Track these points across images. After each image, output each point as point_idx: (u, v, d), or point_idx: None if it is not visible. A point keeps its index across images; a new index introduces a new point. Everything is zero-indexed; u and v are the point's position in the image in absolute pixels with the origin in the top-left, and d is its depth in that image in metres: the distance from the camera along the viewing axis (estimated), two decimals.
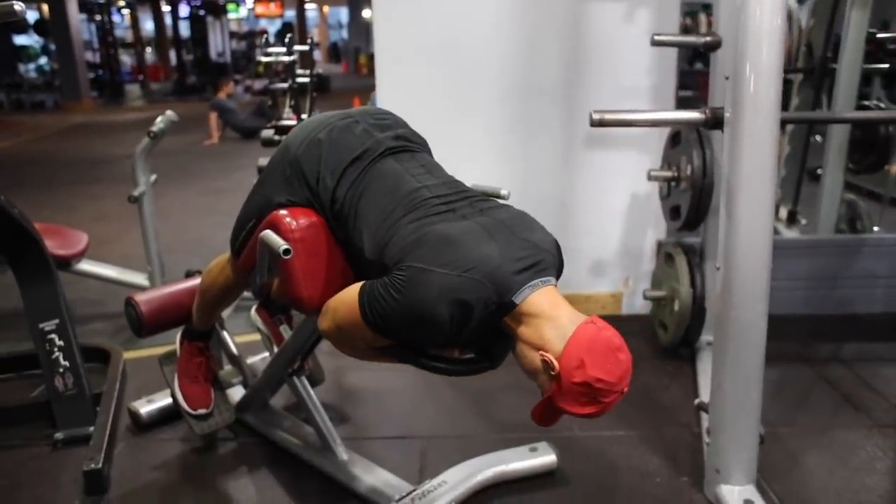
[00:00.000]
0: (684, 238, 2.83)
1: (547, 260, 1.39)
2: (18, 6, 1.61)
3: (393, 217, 1.41)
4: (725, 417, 1.88)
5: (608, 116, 1.97)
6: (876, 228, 3.53)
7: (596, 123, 1.96)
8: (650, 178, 2.69)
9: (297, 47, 4.00)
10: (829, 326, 3.03)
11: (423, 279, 1.28)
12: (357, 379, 2.66)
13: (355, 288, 1.38)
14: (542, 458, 2.05)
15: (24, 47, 16.31)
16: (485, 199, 1.50)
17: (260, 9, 23.71)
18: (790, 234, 3.76)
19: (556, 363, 1.24)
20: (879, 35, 3.56)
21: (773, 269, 1.79)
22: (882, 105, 3.52)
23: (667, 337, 2.78)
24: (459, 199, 1.47)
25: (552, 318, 1.29)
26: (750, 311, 1.80)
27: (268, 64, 4.04)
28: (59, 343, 2.26)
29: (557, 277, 1.41)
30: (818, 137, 3.74)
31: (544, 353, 1.26)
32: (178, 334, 2.16)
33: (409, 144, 1.61)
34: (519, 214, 1.46)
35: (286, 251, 1.45)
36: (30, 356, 2.44)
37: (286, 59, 3.92)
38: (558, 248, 1.44)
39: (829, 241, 3.31)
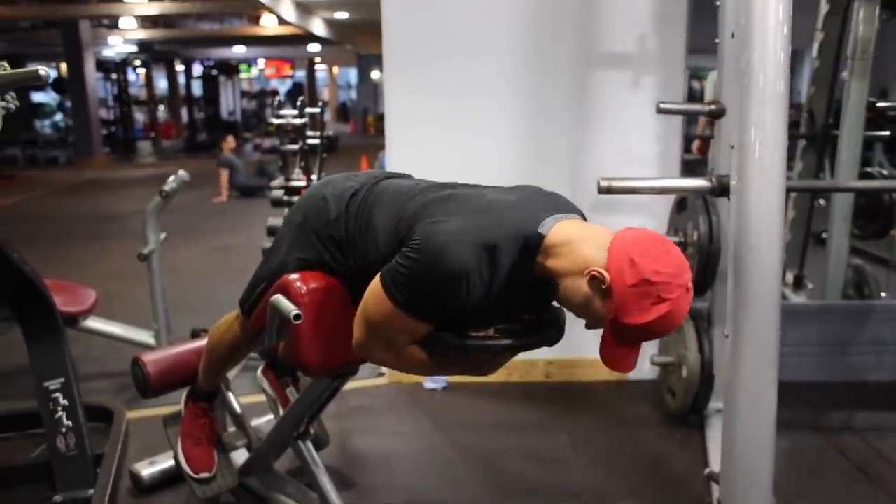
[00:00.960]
0: (692, 304, 2.82)
1: (569, 206, 1.34)
2: (43, 71, 1.66)
3: (399, 206, 1.40)
4: (737, 488, 1.85)
5: (616, 184, 2.00)
6: (883, 294, 3.52)
7: (604, 190, 1.99)
8: None
9: (308, 109, 4.08)
10: (839, 394, 2.99)
11: (436, 229, 1.23)
12: (363, 443, 2.63)
13: (377, 276, 1.33)
14: None
15: (41, 104, 16.71)
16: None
17: (270, 69, 24.32)
18: (797, 298, 3.75)
19: (605, 273, 1.16)
20: (879, 104, 3.62)
21: (782, 335, 1.79)
22: (884, 171, 3.57)
23: (675, 404, 2.75)
24: (461, 185, 1.46)
25: (587, 238, 1.22)
26: (760, 378, 1.78)
27: (279, 125, 4.12)
28: (63, 402, 2.23)
29: None
30: (822, 202, 3.77)
31: (590, 269, 1.18)
32: (183, 394, 2.15)
33: (406, 176, 1.65)
34: (532, 185, 1.44)
35: (297, 316, 1.46)
36: (31, 414, 2.41)
37: (297, 121, 4.00)
38: (580, 211, 1.40)
39: (838, 308, 3.30)
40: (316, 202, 1.60)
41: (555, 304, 1.39)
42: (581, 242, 1.22)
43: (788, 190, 1.82)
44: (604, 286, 1.17)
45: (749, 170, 1.74)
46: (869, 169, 3.56)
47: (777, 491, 1.88)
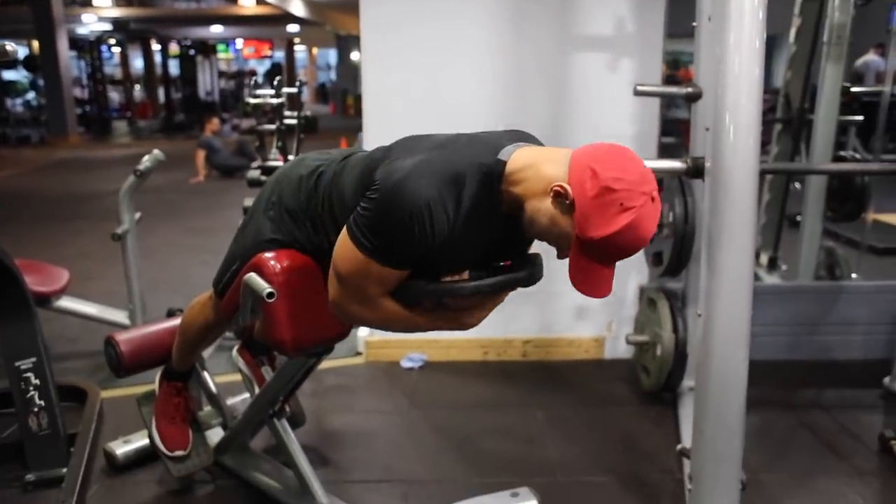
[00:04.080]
0: (667, 284, 2.85)
1: (531, 137, 1.34)
2: (10, 47, 1.63)
3: (366, 164, 1.39)
4: (706, 464, 1.88)
5: None
6: (854, 275, 3.58)
7: None
8: None
9: (285, 89, 4.04)
10: (809, 372, 3.05)
11: (394, 167, 1.22)
12: (339, 421, 2.64)
13: (344, 229, 1.32)
14: (524, 503, 2.03)
15: (12, 82, 16.34)
16: None
17: (248, 50, 24.01)
18: (771, 279, 3.81)
19: (567, 187, 1.15)
20: (854, 88, 3.66)
21: (755, 315, 1.81)
22: (858, 155, 3.60)
23: (649, 382, 2.79)
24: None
25: (547, 158, 1.21)
26: (731, 357, 1.81)
27: (256, 105, 4.07)
28: (35, 382, 2.22)
29: None
30: (797, 185, 3.82)
31: (553, 186, 1.16)
32: (157, 374, 2.14)
33: None
34: None
35: (270, 294, 1.46)
36: (3, 394, 2.39)
37: (274, 100, 3.96)
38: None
39: (809, 288, 3.35)
40: (289, 181, 1.60)
41: (531, 251, 1.39)
42: (542, 163, 1.20)
43: (762, 172, 1.83)
44: (567, 201, 1.15)
45: (723, 152, 1.76)
46: (843, 153, 3.60)
47: (746, 466, 1.92)
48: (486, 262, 1.35)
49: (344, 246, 1.31)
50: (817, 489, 2.20)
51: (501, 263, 1.35)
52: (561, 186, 1.15)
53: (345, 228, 1.31)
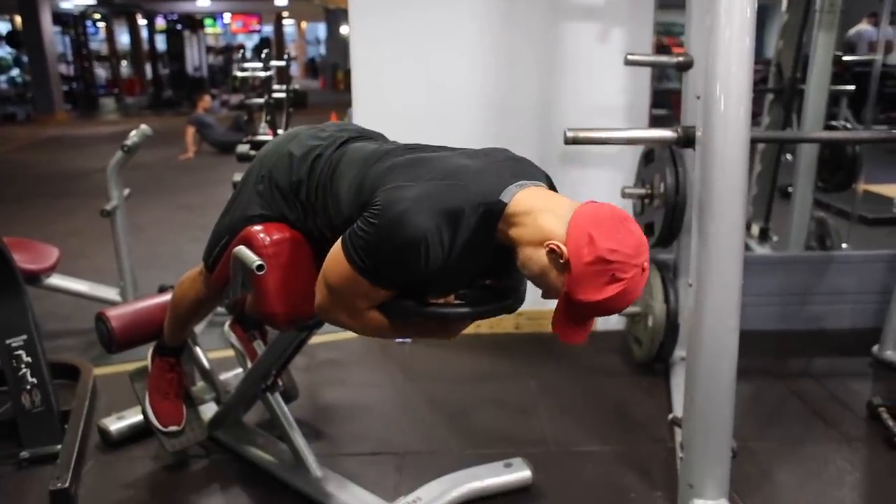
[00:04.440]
0: (658, 255, 2.86)
1: (534, 173, 1.33)
2: None
3: (364, 169, 1.38)
4: (698, 432, 1.90)
5: (582, 134, 2.00)
6: (844, 245, 3.60)
7: (570, 141, 1.99)
8: (624, 195, 2.72)
9: (273, 62, 4.00)
10: (799, 342, 3.07)
11: (396, 196, 1.22)
12: (332, 395, 2.65)
13: (338, 241, 1.32)
14: (517, 473, 2.05)
15: None
16: (457, 148, 1.47)
17: (237, 24, 23.69)
18: (762, 250, 3.82)
19: (563, 248, 1.16)
20: (845, 58, 3.64)
21: (745, 285, 1.82)
22: (849, 125, 3.60)
23: (641, 353, 2.81)
24: (429, 147, 1.45)
25: (548, 208, 1.21)
26: (722, 326, 1.82)
27: (244, 79, 4.03)
28: (27, 359, 2.21)
29: None
30: (789, 156, 3.81)
31: (549, 243, 1.18)
32: (149, 350, 2.14)
33: (374, 137, 1.63)
34: (498, 147, 1.43)
35: (259, 267, 1.45)
36: None
37: (262, 74, 3.92)
38: (549, 177, 1.39)
39: (799, 258, 3.37)
40: (279, 157, 1.58)
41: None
42: (542, 213, 1.21)
43: (752, 141, 1.82)
44: (561, 260, 1.17)
45: (714, 120, 1.75)
46: (834, 123, 3.60)
47: (737, 434, 1.94)
48: (473, 281, 1.38)
49: (336, 259, 1.32)
50: (806, 456, 2.23)
51: (487, 282, 1.37)
52: (557, 246, 1.17)
53: (339, 242, 1.32)
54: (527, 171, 1.33)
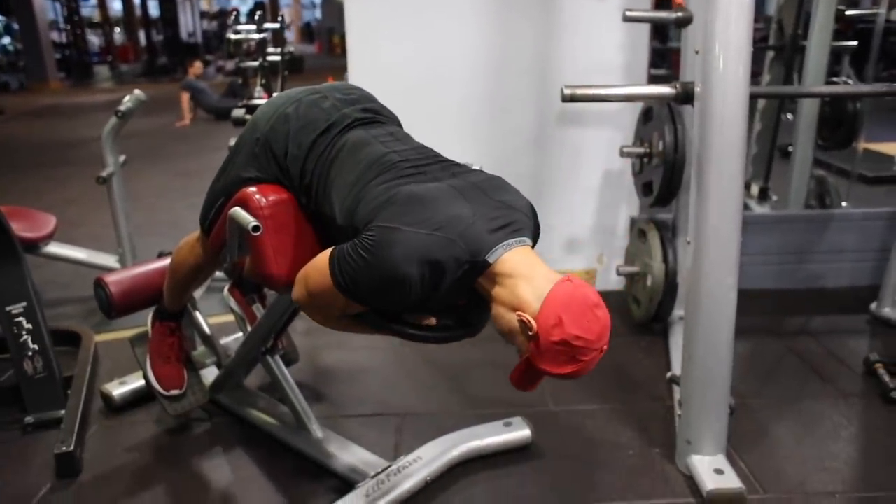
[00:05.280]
0: (657, 214, 2.85)
1: (521, 221, 1.37)
2: None
3: (362, 181, 1.39)
4: (696, 389, 1.91)
5: (579, 91, 1.97)
6: (844, 204, 3.59)
7: (567, 98, 1.96)
8: (622, 154, 2.70)
9: (267, 25, 3.93)
10: (798, 300, 3.08)
11: (391, 238, 1.26)
12: (332, 358, 2.66)
13: (326, 254, 1.36)
14: (517, 432, 2.07)
15: None
16: (456, 164, 1.49)
17: None
18: (762, 209, 3.81)
19: (533, 323, 1.22)
20: (848, 13, 3.58)
21: (744, 244, 1.82)
22: (850, 82, 3.56)
23: (640, 312, 2.81)
24: (430, 162, 1.45)
25: (527, 277, 1.27)
26: (720, 285, 1.82)
27: (238, 42, 3.96)
28: (28, 326, 2.22)
29: (534, 241, 1.39)
30: (789, 115, 3.78)
31: (521, 314, 1.24)
32: (149, 315, 2.14)
33: (378, 116, 1.60)
34: (492, 177, 1.45)
35: (255, 228, 1.44)
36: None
37: (256, 36, 3.86)
38: (534, 211, 1.43)
39: (798, 217, 3.36)
40: (278, 118, 1.55)
41: None
42: (522, 281, 1.26)
43: (752, 96, 1.80)
44: (530, 332, 1.23)
45: (713, 76, 1.73)
46: (836, 80, 3.55)
47: (734, 392, 1.96)
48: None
49: (320, 271, 1.35)
50: (803, 412, 2.24)
51: (462, 302, 1.42)
52: (528, 320, 1.23)
53: (325, 255, 1.35)
54: (517, 221, 1.36)
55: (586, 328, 1.22)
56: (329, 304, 1.39)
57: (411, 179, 1.38)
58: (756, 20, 1.71)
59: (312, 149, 1.50)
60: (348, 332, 1.51)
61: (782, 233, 3.16)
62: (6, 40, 16.26)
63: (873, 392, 2.33)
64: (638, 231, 2.85)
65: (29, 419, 2.19)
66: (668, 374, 2.28)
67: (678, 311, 2.71)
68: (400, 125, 1.66)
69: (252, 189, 1.52)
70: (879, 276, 2.91)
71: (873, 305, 2.88)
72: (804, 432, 2.14)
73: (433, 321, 1.46)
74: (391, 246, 1.25)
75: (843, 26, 3.64)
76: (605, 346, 1.26)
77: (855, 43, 3.64)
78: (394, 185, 1.36)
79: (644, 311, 2.77)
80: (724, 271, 1.81)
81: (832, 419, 2.20)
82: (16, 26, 14.57)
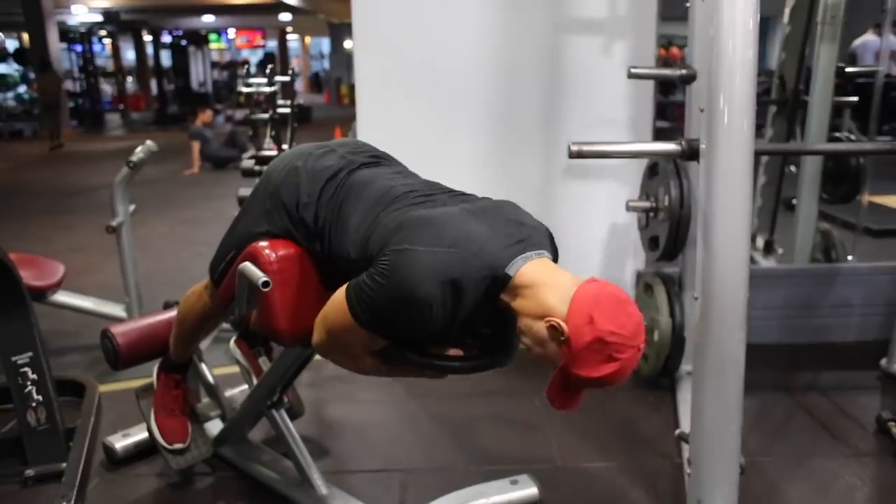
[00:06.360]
0: (663, 268, 2.85)
1: (537, 237, 1.35)
2: None
3: (374, 212, 1.40)
4: (705, 447, 1.88)
5: (586, 148, 2.00)
6: (850, 257, 3.59)
7: (574, 155, 1.99)
8: (629, 208, 2.72)
9: (277, 78, 4.02)
10: (806, 355, 3.05)
11: (406, 259, 1.23)
12: (337, 411, 2.64)
13: (342, 290, 1.34)
14: (524, 490, 2.03)
15: (2, 75, 16.22)
16: (465, 193, 1.49)
17: (241, 39, 23.87)
18: (767, 263, 3.81)
19: (564, 325, 1.19)
20: (848, 69, 3.65)
21: (752, 299, 1.81)
22: (853, 137, 3.59)
23: (647, 367, 2.79)
24: (439, 192, 1.46)
25: (550, 284, 1.24)
26: (728, 340, 1.81)
27: (249, 94, 4.06)
28: (33, 376, 2.21)
29: (554, 261, 1.36)
30: (793, 168, 3.81)
31: (550, 319, 1.20)
32: (155, 366, 2.13)
33: (384, 161, 1.63)
34: (504, 202, 1.44)
35: (265, 283, 1.45)
36: (1, 390, 2.38)
37: (267, 89, 3.94)
38: (551, 234, 1.41)
39: (805, 271, 3.35)
40: (288, 172, 1.58)
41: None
42: (546, 288, 1.24)
43: (756, 153, 1.82)
44: (562, 337, 1.20)
45: (718, 133, 1.75)
46: (838, 135, 3.60)
47: (744, 449, 1.93)
48: (472, 331, 1.41)
49: (338, 308, 1.33)
50: (815, 471, 2.21)
51: (486, 331, 1.40)
52: (558, 324, 1.19)
53: (342, 291, 1.33)
54: (532, 237, 1.35)
55: (620, 323, 1.18)
56: (350, 342, 1.36)
57: (420, 207, 1.38)
58: (758, 74, 1.74)
59: (323, 193, 1.52)
60: (375, 375, 1.46)
61: (789, 287, 3.15)
62: (21, 89, 16.57)
63: (887, 451, 2.29)
64: (644, 285, 2.85)
65: (30, 472, 2.16)
66: (677, 432, 2.24)
67: (686, 366, 2.68)
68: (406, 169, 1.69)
69: (262, 244, 1.54)
70: (886, 331, 2.88)
71: (883, 361, 2.85)
72: (816, 493, 2.10)
73: (460, 352, 1.41)
74: (407, 267, 1.23)
75: (844, 81, 3.70)
76: (642, 345, 1.21)
77: (856, 98, 3.69)
78: (404, 211, 1.36)
79: (651, 366, 2.75)
80: (732, 327, 1.80)
81: (845, 479, 2.16)
82: (32, 75, 14.84)
